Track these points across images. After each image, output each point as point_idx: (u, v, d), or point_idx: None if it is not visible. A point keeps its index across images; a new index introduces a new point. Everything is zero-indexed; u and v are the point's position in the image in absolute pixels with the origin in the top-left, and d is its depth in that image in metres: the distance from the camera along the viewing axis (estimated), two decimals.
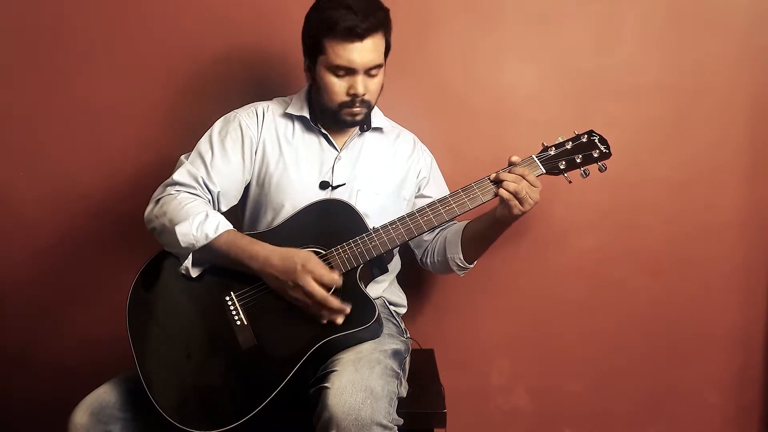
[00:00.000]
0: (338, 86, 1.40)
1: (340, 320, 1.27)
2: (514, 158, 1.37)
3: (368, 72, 1.39)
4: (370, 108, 1.47)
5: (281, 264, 1.28)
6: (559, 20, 1.79)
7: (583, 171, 1.39)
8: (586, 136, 1.39)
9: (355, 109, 1.43)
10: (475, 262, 1.57)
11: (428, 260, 1.63)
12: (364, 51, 1.36)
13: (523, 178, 1.33)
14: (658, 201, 1.83)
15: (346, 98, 1.41)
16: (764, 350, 1.89)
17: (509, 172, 1.35)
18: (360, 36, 1.34)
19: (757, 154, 1.81)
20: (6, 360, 1.97)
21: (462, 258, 1.53)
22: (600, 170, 1.39)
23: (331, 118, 1.48)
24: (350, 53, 1.36)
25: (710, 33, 1.78)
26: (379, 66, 1.41)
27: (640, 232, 1.84)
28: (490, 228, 1.46)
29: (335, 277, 1.28)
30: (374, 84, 1.42)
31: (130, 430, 1.29)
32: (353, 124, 1.50)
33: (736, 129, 1.80)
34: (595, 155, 1.38)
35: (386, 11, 1.40)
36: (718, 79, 1.79)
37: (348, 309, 1.27)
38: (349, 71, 1.38)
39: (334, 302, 1.26)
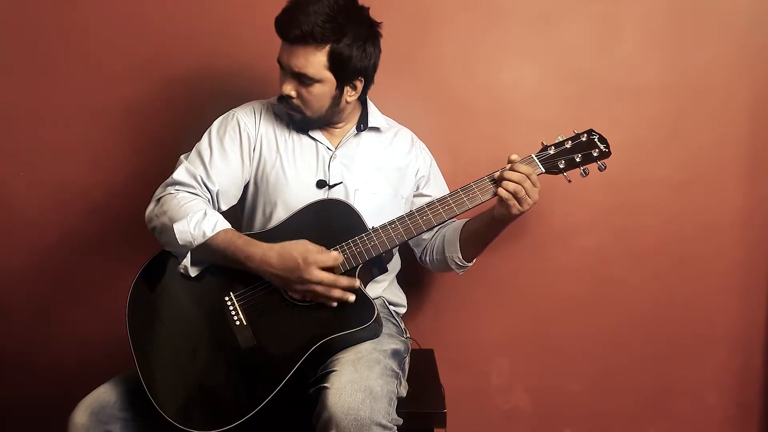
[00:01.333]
0: (281, 78, 1.43)
1: (351, 298, 1.28)
2: (514, 156, 1.37)
3: (300, 78, 1.39)
4: (302, 114, 1.45)
5: (281, 263, 1.28)
6: (559, 20, 1.79)
7: (583, 170, 1.39)
8: (585, 135, 1.39)
9: (286, 105, 1.44)
10: (474, 260, 1.57)
11: (427, 258, 1.63)
12: (290, 54, 1.37)
13: (526, 178, 1.33)
14: (658, 201, 1.83)
15: (282, 92, 1.43)
16: (764, 350, 1.89)
17: (509, 171, 1.35)
18: (290, 40, 1.36)
19: (757, 154, 1.81)
20: (6, 360, 1.96)
21: (460, 257, 1.53)
22: (599, 169, 1.39)
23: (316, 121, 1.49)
24: (282, 50, 1.39)
25: (710, 33, 1.78)
26: (311, 78, 1.38)
27: (640, 232, 1.84)
28: (489, 227, 1.46)
29: (336, 256, 1.30)
30: (308, 93, 1.41)
31: (130, 430, 1.29)
32: (292, 120, 1.50)
33: (736, 129, 1.80)
34: (595, 154, 1.38)
35: (341, 30, 1.36)
36: (718, 79, 1.79)
37: (357, 282, 1.29)
38: (282, 67, 1.40)
39: (344, 280, 1.28)
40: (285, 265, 1.28)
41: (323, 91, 1.41)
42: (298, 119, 1.48)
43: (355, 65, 1.40)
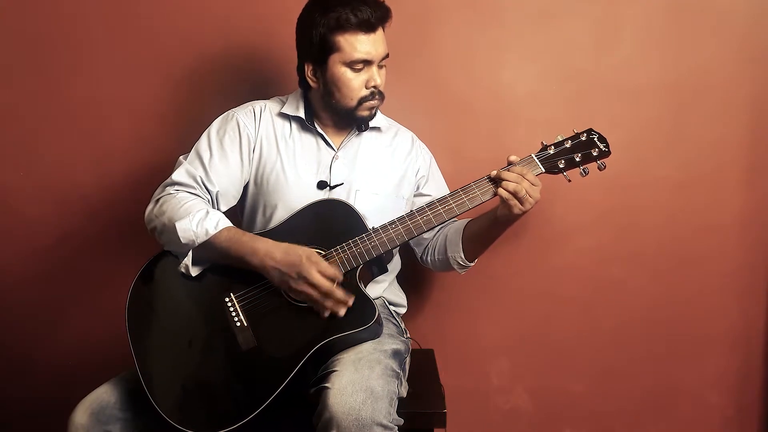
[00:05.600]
0: (357, 81, 1.41)
1: (342, 312, 1.27)
2: (513, 158, 1.37)
3: (379, 63, 1.42)
4: (383, 99, 1.48)
5: (284, 258, 1.28)
6: (559, 20, 1.79)
7: (583, 170, 1.39)
8: (585, 134, 1.39)
9: (373, 102, 1.45)
10: (476, 261, 1.57)
11: (428, 258, 1.63)
12: (377, 42, 1.39)
13: (523, 177, 1.33)
14: (658, 201, 1.83)
15: (366, 92, 1.43)
16: (764, 350, 1.89)
17: (506, 171, 1.35)
18: (373, 27, 1.38)
19: (757, 154, 1.81)
20: (6, 360, 1.96)
21: (463, 257, 1.53)
22: (599, 169, 1.39)
23: (345, 118, 1.49)
24: (367, 45, 1.38)
25: (710, 33, 1.78)
26: (387, 56, 1.43)
27: (640, 232, 1.84)
28: (492, 227, 1.46)
29: (337, 272, 1.29)
30: (384, 75, 1.45)
31: (130, 430, 1.29)
32: (369, 119, 1.50)
33: (736, 129, 1.80)
34: (594, 154, 1.38)
35: (385, 2, 1.42)
36: (718, 79, 1.79)
37: (351, 300, 1.28)
38: (367, 63, 1.40)
39: (339, 293, 1.27)
40: (287, 260, 1.27)
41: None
42: (375, 113, 1.49)
43: None
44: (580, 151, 1.38)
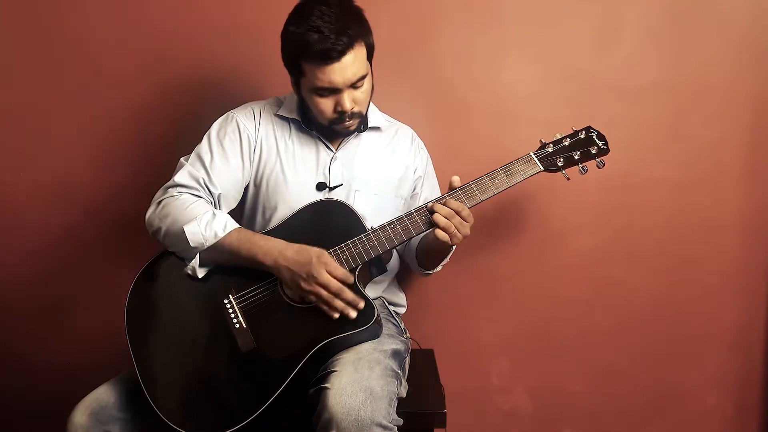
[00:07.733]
0: (325, 105, 1.38)
1: (353, 314, 1.27)
2: (455, 180, 1.35)
3: (353, 85, 1.37)
4: (361, 117, 1.45)
5: (296, 257, 1.28)
6: (559, 20, 1.79)
7: (581, 168, 1.38)
8: (583, 132, 1.39)
9: (346, 123, 1.42)
10: (440, 267, 1.60)
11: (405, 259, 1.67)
12: (343, 69, 1.33)
13: (456, 214, 1.31)
14: (658, 201, 1.83)
15: (335, 115, 1.40)
16: (764, 351, 1.88)
17: (439, 205, 1.31)
18: (336, 57, 1.31)
19: (757, 154, 1.81)
20: (6, 360, 1.97)
21: (417, 266, 1.55)
22: (598, 166, 1.39)
23: (326, 129, 1.48)
24: (330, 75, 1.33)
25: (710, 33, 1.78)
26: (363, 76, 1.37)
27: (639, 232, 1.84)
28: (438, 247, 1.45)
29: (347, 274, 1.29)
30: (362, 93, 1.40)
31: (130, 430, 1.29)
32: (348, 134, 1.49)
33: (736, 129, 1.80)
34: (593, 151, 1.38)
35: (359, 19, 1.36)
36: (718, 79, 1.79)
37: (362, 303, 1.28)
38: (333, 90, 1.36)
39: (349, 293, 1.27)
40: (298, 260, 1.27)
41: (368, 82, 1.41)
42: (354, 128, 1.46)
43: (373, 42, 1.41)
44: (579, 148, 1.38)
